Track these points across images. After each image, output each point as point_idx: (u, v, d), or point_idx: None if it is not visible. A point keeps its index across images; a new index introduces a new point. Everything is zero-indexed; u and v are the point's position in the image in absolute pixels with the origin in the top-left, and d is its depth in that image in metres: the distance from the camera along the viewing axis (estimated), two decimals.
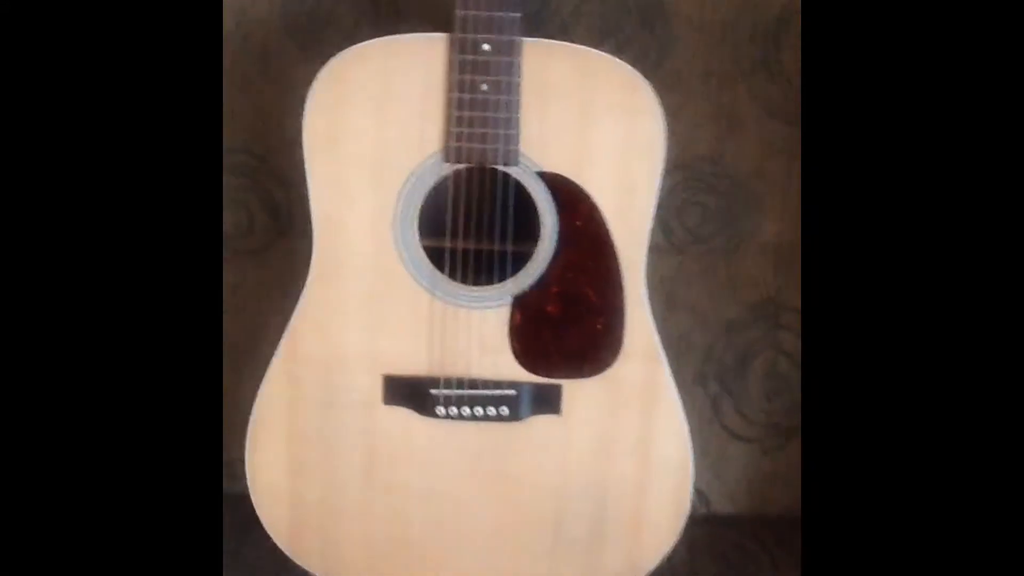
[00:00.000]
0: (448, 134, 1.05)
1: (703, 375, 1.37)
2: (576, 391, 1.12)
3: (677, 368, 1.12)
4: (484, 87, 1.03)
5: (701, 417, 1.37)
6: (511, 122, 1.04)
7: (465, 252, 1.09)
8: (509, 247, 1.09)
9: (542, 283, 1.09)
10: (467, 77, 1.03)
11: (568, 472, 1.14)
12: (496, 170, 1.07)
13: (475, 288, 1.09)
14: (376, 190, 1.07)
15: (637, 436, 1.13)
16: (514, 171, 1.06)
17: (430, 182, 1.07)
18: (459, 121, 1.04)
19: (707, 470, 1.38)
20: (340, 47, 1.05)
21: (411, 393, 1.11)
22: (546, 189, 1.07)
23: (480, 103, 1.03)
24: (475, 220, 1.08)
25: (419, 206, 1.07)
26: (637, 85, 1.05)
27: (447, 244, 1.09)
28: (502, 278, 1.09)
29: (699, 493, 1.39)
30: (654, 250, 1.09)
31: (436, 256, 1.09)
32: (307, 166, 1.07)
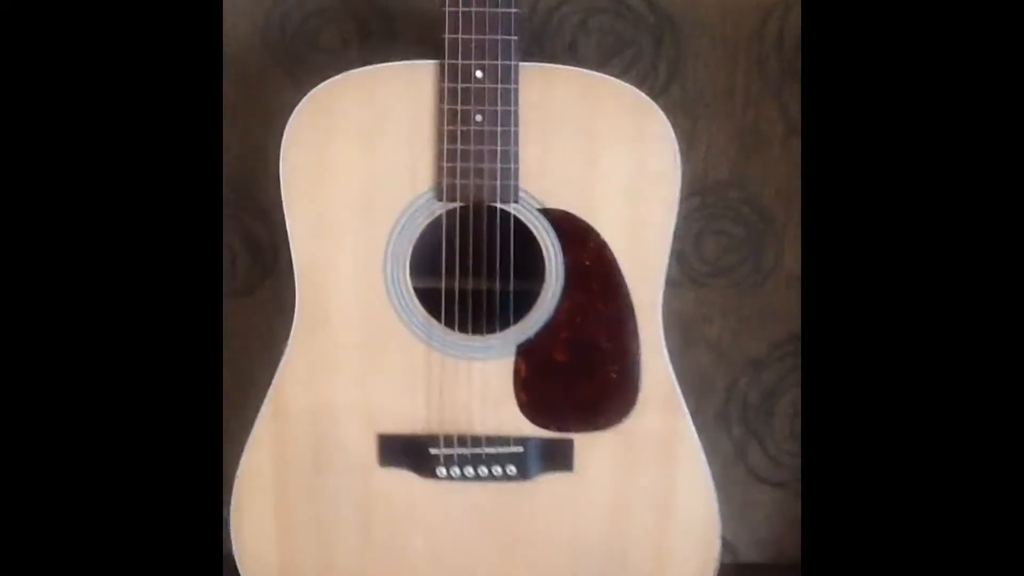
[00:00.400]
0: (440, 170, 0.98)
1: (725, 415, 1.31)
2: (589, 446, 1.05)
3: (697, 409, 1.08)
4: (478, 118, 0.97)
5: (724, 460, 1.31)
6: (509, 156, 0.98)
7: (463, 299, 1.03)
8: (511, 292, 1.03)
9: (549, 329, 1.03)
10: (459, 107, 0.96)
11: (584, 533, 1.08)
12: (494, 208, 0.99)
13: (475, 337, 1.03)
14: (364, 231, 1.01)
15: (658, 492, 1.08)
16: (514, 209, 0.99)
17: (422, 222, 1.00)
18: (451, 156, 0.98)
19: (732, 517, 1.31)
20: (327, 72, 1.00)
21: (409, 453, 1.05)
22: (550, 227, 1.01)
23: (475, 136, 0.97)
24: (472, 263, 1.02)
25: (411, 248, 1.01)
26: (647, 111, 0.99)
27: (443, 289, 1.02)
28: (504, 325, 1.03)
29: (724, 542, 1.30)
30: (668, 283, 1.03)
31: (432, 302, 1.03)
32: (286, 204, 1.02)
